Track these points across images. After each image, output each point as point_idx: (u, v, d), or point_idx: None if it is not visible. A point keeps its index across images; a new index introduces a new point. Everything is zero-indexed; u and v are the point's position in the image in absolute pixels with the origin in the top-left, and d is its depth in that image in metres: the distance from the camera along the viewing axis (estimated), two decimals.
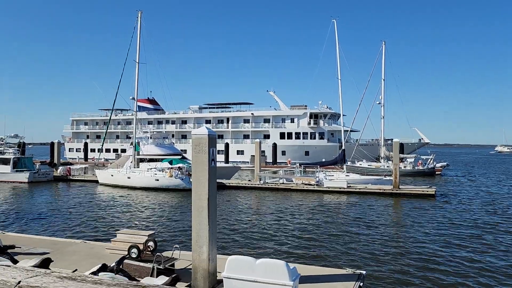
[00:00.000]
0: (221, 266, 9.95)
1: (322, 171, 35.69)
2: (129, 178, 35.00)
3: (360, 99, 43.69)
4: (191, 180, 33.03)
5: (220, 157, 60.24)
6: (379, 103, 47.07)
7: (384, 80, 47.25)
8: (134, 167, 36.48)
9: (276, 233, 17.81)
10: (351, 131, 53.91)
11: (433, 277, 11.90)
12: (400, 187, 30.72)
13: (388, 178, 33.89)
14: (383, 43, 47.28)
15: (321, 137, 63.34)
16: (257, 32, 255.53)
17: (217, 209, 10.47)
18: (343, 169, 37.31)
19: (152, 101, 74.31)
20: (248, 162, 59.72)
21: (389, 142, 55.89)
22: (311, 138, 63.77)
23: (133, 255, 10.26)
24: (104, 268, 8.71)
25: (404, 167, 45.94)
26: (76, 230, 18.39)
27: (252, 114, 67.96)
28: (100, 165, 46.68)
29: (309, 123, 63.96)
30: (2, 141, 45.74)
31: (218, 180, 36.28)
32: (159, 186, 33.48)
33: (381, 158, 48.44)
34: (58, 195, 32.05)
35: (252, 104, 72.02)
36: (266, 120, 67.31)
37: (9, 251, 10.47)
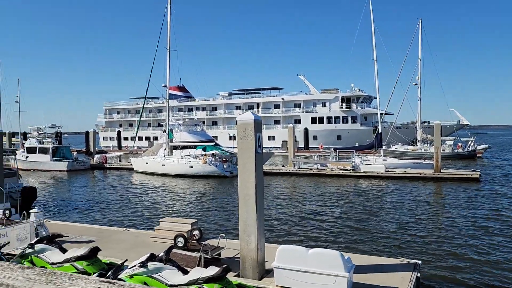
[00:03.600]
0: (268, 255, 9.66)
1: (358, 155, 34.80)
2: (163, 165, 35.28)
3: (395, 81, 42.17)
4: (225, 166, 33.15)
5: None
6: (416, 84, 45.30)
7: (420, 60, 45.37)
8: (168, 155, 36.71)
9: (318, 220, 17.38)
10: (385, 114, 52.38)
11: (489, 270, 11.20)
12: (442, 171, 29.55)
13: (428, 162, 32.68)
14: (420, 21, 45.26)
15: (354, 121, 61.97)
16: (287, 15, 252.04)
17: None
18: (379, 153, 36.26)
19: (182, 89, 74.55)
20: (279, 147, 59.23)
21: (426, 124, 54.03)
22: (343, 122, 62.53)
23: (179, 244, 10.11)
24: (152, 257, 8.54)
25: (443, 150, 44.28)
26: (117, 218, 18.57)
27: (282, 99, 67.18)
28: (134, 153, 47.32)
29: (341, 107, 62.65)
30: (41, 131, 47.09)
31: None
32: (193, 173, 33.58)
33: (418, 141, 46.83)
34: (96, 183, 32.70)
35: (282, 89, 71.26)
36: (297, 105, 66.41)
37: (57, 240, 10.48)
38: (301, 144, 59.85)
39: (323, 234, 15.04)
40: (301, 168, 34.50)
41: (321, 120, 63.69)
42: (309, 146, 59.57)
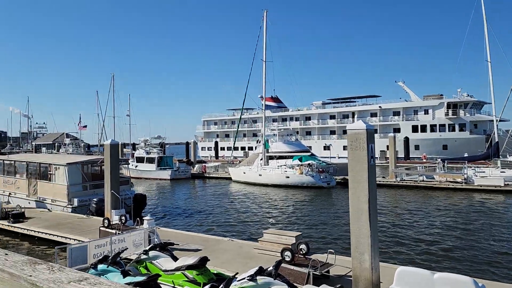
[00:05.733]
0: (382, 276, 8.86)
1: (470, 166, 31.55)
2: (260, 175, 35.65)
3: None
4: (321, 177, 32.37)
5: (347, 153, 58.23)
6: None
7: None
8: (264, 165, 37.03)
9: (430, 237, 15.85)
10: (499, 120, 47.07)
11: None
12: None
13: None
14: None
15: (462, 129, 56.74)
16: (384, 16, 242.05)
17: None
18: (496, 164, 32.47)
19: (275, 99, 75.29)
20: (377, 157, 56.53)
21: None
22: (449, 130, 57.60)
23: (287, 258, 9.74)
24: (261, 271, 8.28)
25: None
26: (219, 227, 18.93)
27: (379, 107, 64.25)
28: (231, 162, 48.73)
29: (446, 114, 57.84)
30: (148, 142, 50.95)
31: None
32: (289, 183, 33.37)
33: None
34: (197, 191, 34.15)
35: (379, 96, 68.21)
36: (396, 113, 62.95)
37: (168, 247, 10.80)
38: (401, 154, 56.43)
39: (440, 255, 13.58)
40: (404, 180, 32.32)
41: (423, 129, 59.48)
42: (410, 156, 55.93)
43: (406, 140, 57.00)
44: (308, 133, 71.69)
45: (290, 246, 10.85)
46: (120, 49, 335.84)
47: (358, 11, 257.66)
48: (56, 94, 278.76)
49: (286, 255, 9.76)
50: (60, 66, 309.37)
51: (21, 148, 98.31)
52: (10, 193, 23.08)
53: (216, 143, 79.16)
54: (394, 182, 32.04)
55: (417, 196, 27.50)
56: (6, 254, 2.03)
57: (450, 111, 57.61)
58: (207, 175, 44.92)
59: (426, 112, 59.87)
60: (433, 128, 58.80)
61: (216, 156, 75.69)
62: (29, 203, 21.50)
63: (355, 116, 66.17)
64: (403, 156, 56.03)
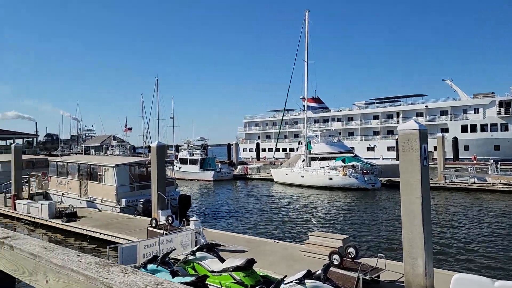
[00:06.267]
0: (436, 283, 8.47)
1: None
2: (302, 177, 35.35)
3: None
4: (366, 179, 31.61)
5: (392, 154, 56.62)
6: None
7: None
8: (306, 166, 36.68)
9: (485, 243, 15.02)
10: None
11: None
12: None
13: None
14: None
15: None
16: (426, 14, 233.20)
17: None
18: None
19: (317, 100, 74.53)
20: None
21: None
22: (502, 130, 54.56)
23: (335, 262, 9.53)
24: (309, 274, 8.13)
25: None
26: (263, 228, 18.90)
27: (426, 106, 61.96)
28: (272, 164, 48.67)
29: (498, 113, 54.83)
30: (191, 144, 51.92)
31: (394, 179, 33.75)
32: (332, 185, 32.85)
33: None
34: (239, 192, 34.34)
35: (425, 95, 65.83)
36: (443, 112, 60.45)
37: (214, 248, 10.87)
38: (449, 155, 54.14)
39: (494, 261, 12.83)
40: (454, 182, 30.95)
41: (473, 128, 56.73)
42: (459, 157, 53.53)
43: (455, 140, 54.62)
44: (351, 134, 70.37)
45: (337, 249, 10.61)
46: (164, 53, 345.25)
47: (401, 8, 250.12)
48: (104, 98, 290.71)
49: (334, 259, 9.55)
50: (108, 71, 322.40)
51: (71, 150, 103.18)
52: (63, 193, 24.21)
53: (258, 144, 79.40)
54: (443, 184, 30.74)
55: (468, 199, 26.23)
56: (79, 255, 2.05)
57: (503, 110, 54.56)
58: (249, 176, 45.11)
59: (476, 111, 57.07)
60: (483, 127, 55.96)
61: (258, 158, 75.92)
62: (80, 203, 22.43)
63: (400, 116, 64.21)
64: (452, 157, 53.75)
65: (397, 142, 58.35)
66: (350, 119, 71.34)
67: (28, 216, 20.31)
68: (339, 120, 72.35)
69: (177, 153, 56.59)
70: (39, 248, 2.11)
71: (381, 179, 33.15)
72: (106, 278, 1.71)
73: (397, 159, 53.93)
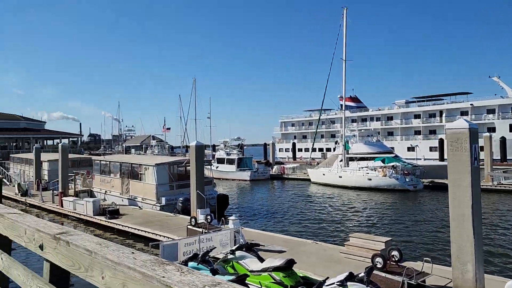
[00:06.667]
0: None
1: None
2: (340, 177, 34.78)
3: None
4: (407, 179, 30.66)
5: (434, 155, 54.73)
6: None
7: None
8: (344, 166, 36.05)
9: None
10: None
11: None
12: None
13: None
14: None
15: None
16: (472, 9, 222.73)
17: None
18: None
19: (354, 99, 73.49)
20: None
21: None
22: None
23: (378, 265, 9.25)
24: (351, 277, 7.93)
25: None
26: (301, 228, 18.71)
27: (471, 105, 59.36)
28: (309, 164, 48.22)
29: None
30: (227, 144, 52.31)
31: (438, 180, 32.57)
32: (371, 185, 32.11)
33: None
34: (276, 192, 34.23)
35: (470, 93, 62.97)
36: (490, 111, 57.70)
37: (254, 248, 10.84)
38: (496, 156, 51.64)
39: None
40: (502, 184, 29.46)
41: None
42: (507, 157, 50.95)
43: (503, 140, 52.06)
44: (390, 133, 68.56)
45: (380, 252, 10.30)
46: (201, 53, 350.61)
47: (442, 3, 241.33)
48: (144, 99, 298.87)
49: (377, 262, 9.28)
50: (147, 72, 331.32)
51: (112, 150, 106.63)
52: (106, 191, 25.00)
53: (294, 144, 79.02)
54: (490, 186, 29.31)
55: None
56: (133, 252, 2.02)
57: None
58: (285, 176, 44.90)
59: None
60: None
61: (294, 157, 75.58)
62: (122, 200, 23.07)
63: (443, 115, 61.88)
64: (499, 158, 51.27)
65: (440, 142, 56.34)
66: (390, 118, 69.49)
67: (74, 212, 21.12)
68: (378, 119, 70.67)
69: (214, 153, 57.20)
70: (94, 244, 2.10)
71: (423, 180, 32.05)
72: (163, 277, 1.66)
73: (440, 159, 52.29)
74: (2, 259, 3.07)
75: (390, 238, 11.84)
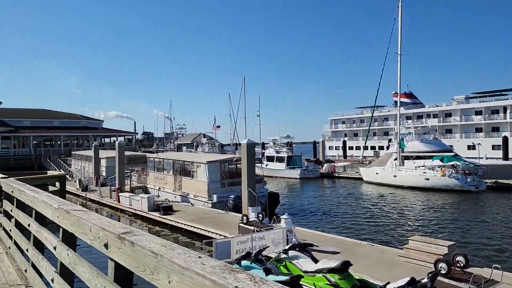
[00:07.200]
0: None
1: None
2: (395, 176, 33.51)
3: None
4: (468, 180, 28.93)
5: (497, 153, 51.32)
6: None
7: None
8: (399, 165, 34.69)
9: None
10: None
11: None
12: None
13: None
14: None
15: None
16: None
17: None
18: None
19: (409, 95, 70.32)
20: None
21: None
22: None
23: (442, 271, 8.70)
24: (413, 282, 7.49)
25: None
26: (354, 229, 18.16)
27: None
28: (361, 163, 46.93)
29: None
30: (276, 142, 52.17)
31: (503, 181, 30.47)
32: (429, 186, 30.63)
33: None
34: (327, 191, 33.62)
35: None
36: None
37: (307, 248, 10.60)
38: None
39: None
40: None
41: None
42: None
43: None
44: (448, 131, 65.14)
45: (442, 257, 9.70)
46: (251, 51, 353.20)
47: None
48: (194, 97, 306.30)
49: (441, 267, 8.72)
50: (197, 72, 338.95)
51: (165, 147, 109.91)
52: (159, 188, 25.73)
53: (344, 142, 77.40)
54: None
55: None
56: (200, 257, 1.90)
57: None
58: (336, 175, 44.05)
59: None
60: None
61: (344, 156, 73.99)
62: (175, 197, 23.62)
63: (508, 111, 57.88)
64: None
65: (504, 140, 52.75)
66: (448, 115, 66.03)
67: (130, 208, 21.90)
68: (435, 116, 67.38)
69: (263, 151, 57.27)
70: (159, 246, 2.01)
71: (486, 181, 30.10)
72: (236, 286, 1.51)
73: (504, 158, 48.91)
74: (68, 255, 3.10)
75: (453, 242, 11.13)
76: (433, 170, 30.96)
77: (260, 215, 15.37)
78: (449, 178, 29.48)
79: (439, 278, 8.33)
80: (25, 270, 4.74)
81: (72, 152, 47.97)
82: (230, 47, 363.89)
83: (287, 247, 10.07)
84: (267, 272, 8.87)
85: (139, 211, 20.81)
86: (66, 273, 3.26)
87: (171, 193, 24.19)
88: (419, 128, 39.57)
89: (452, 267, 8.80)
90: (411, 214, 21.72)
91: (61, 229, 3.38)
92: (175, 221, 18.01)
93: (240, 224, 15.03)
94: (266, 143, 61.13)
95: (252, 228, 14.02)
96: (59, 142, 64.40)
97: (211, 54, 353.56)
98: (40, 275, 4.12)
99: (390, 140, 54.42)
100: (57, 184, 19.99)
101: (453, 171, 29.78)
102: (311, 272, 8.86)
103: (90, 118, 78.37)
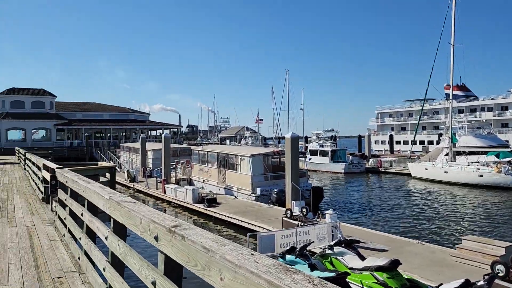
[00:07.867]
0: None
1: None
2: (446, 172, 32.05)
3: None
4: None
5: None
6: None
7: None
8: (450, 161, 33.14)
9: None
10: None
11: None
12: None
13: None
14: None
15: None
16: None
17: None
18: None
19: (462, 87, 67.02)
20: None
21: None
22: None
23: (500, 274, 8.18)
24: (467, 285, 7.08)
25: None
26: (403, 227, 17.55)
27: None
28: (409, 158, 45.34)
29: None
30: (320, 135, 51.48)
31: None
32: (483, 183, 29.07)
33: None
34: (373, 187, 32.76)
35: None
36: None
37: (353, 244, 10.33)
38: None
39: None
40: None
41: None
42: None
43: None
44: (505, 125, 61.39)
45: (499, 258, 9.12)
46: (294, 45, 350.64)
47: None
48: (238, 90, 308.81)
49: (498, 270, 8.20)
50: (241, 65, 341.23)
51: (208, 140, 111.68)
52: (204, 180, 26.12)
53: (391, 136, 75.03)
54: None
55: None
56: (252, 254, 1.81)
57: None
58: (382, 170, 42.83)
59: None
60: None
61: (391, 150, 71.80)
62: (219, 189, 23.89)
63: None
64: None
65: None
66: (505, 108, 62.19)
67: (175, 199, 22.41)
68: (489, 109, 63.71)
69: (306, 145, 56.71)
70: (210, 241, 1.94)
71: None
72: None
73: None
74: (119, 245, 3.13)
75: (511, 243, 10.43)
76: (488, 166, 29.33)
77: (304, 210, 15.21)
78: (505, 175, 27.82)
79: (496, 281, 7.84)
80: (79, 258, 4.90)
81: (121, 144, 49.78)
82: (275, 40, 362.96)
83: (332, 243, 9.85)
84: (312, 267, 8.71)
85: (184, 202, 21.22)
86: (116, 263, 3.30)
87: (215, 186, 24.48)
88: (472, 122, 37.59)
89: (511, 270, 8.25)
90: (463, 212, 20.69)
91: (112, 220, 3.43)
92: (220, 213, 18.19)
93: (284, 218, 14.94)
94: (309, 137, 60.43)
95: (296, 222, 13.90)
96: (108, 134, 67.14)
97: (256, 48, 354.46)
98: (93, 263, 4.23)
99: (440, 135, 52.08)
100: (107, 175, 20.70)
101: (510, 167, 28.08)
102: (358, 269, 8.62)
103: (137, 111, 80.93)
